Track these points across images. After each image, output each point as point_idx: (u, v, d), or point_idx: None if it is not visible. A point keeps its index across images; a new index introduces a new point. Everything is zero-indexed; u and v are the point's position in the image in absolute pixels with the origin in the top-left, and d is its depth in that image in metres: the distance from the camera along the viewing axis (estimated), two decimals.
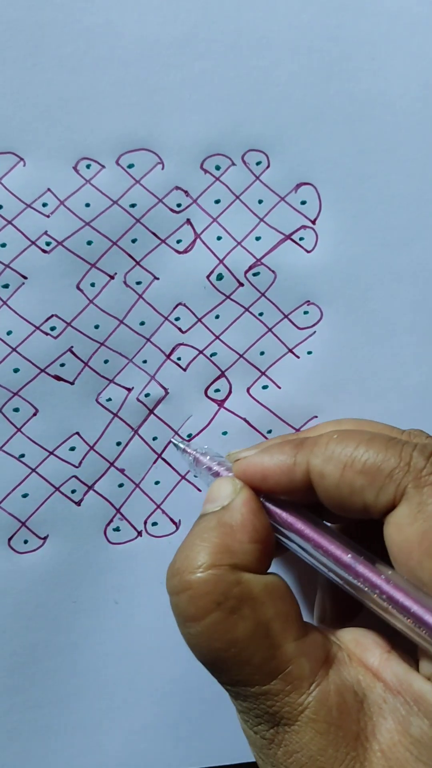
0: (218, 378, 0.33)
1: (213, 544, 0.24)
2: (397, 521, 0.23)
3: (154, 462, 0.33)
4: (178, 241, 0.32)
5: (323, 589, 0.30)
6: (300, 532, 0.25)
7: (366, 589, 0.24)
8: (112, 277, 0.32)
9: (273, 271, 0.33)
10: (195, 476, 0.30)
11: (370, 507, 0.24)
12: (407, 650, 0.24)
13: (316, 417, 0.33)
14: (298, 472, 0.25)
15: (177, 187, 0.32)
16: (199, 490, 0.33)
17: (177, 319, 0.33)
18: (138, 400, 0.32)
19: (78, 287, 0.32)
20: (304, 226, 0.33)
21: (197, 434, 0.33)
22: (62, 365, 0.32)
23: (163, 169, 0.32)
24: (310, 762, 0.22)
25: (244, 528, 0.24)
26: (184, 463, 0.31)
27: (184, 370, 0.33)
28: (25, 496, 0.32)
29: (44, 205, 0.31)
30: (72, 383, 0.32)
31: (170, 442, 0.32)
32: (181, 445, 0.30)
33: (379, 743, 0.22)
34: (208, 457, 0.29)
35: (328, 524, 0.26)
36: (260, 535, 0.25)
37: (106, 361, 0.32)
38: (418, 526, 0.22)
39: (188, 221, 0.32)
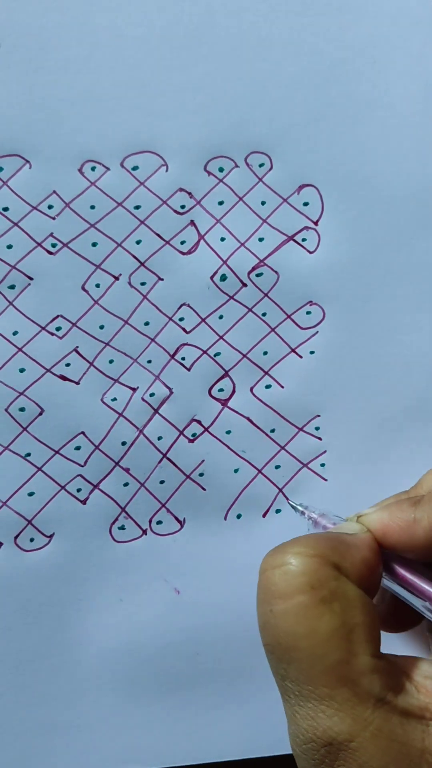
0: (222, 378, 0.33)
1: (327, 541, 0.24)
2: None
3: (159, 461, 0.33)
4: (182, 242, 0.33)
5: (388, 599, 0.30)
6: (420, 590, 0.26)
7: None
8: (116, 278, 0.32)
9: (276, 272, 0.33)
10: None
11: None
12: None
13: (319, 416, 0.34)
14: (418, 529, 0.25)
15: (181, 189, 0.32)
16: (204, 489, 0.33)
17: (181, 319, 0.33)
18: (143, 399, 0.33)
19: (83, 288, 0.32)
20: (306, 227, 0.33)
21: (201, 434, 0.33)
22: (68, 365, 0.32)
23: (167, 171, 0.32)
24: None
25: (359, 550, 0.24)
26: (303, 524, 0.31)
27: (189, 369, 0.33)
28: (31, 494, 0.32)
29: (50, 207, 0.32)
30: (77, 383, 0.32)
31: (290, 504, 0.32)
32: (300, 508, 0.30)
33: None
34: (326, 518, 0.29)
35: None
36: (371, 565, 0.24)
37: (111, 361, 0.32)
38: None
39: (192, 222, 0.33)
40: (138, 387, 0.33)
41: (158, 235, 0.32)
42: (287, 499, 0.33)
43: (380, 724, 0.21)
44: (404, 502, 0.26)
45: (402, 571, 0.26)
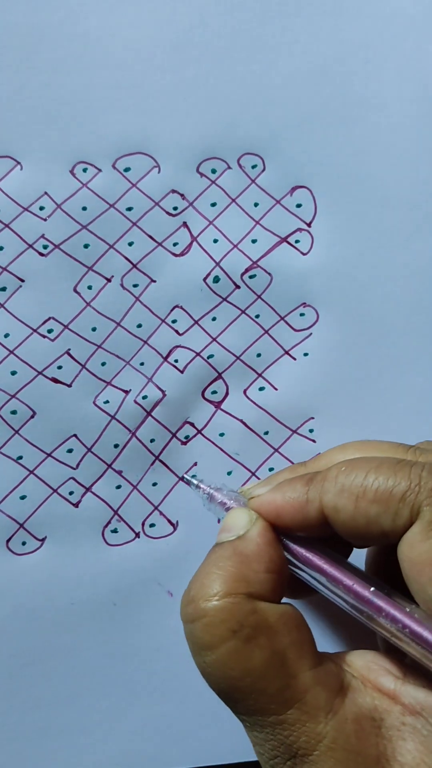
0: (215, 380, 0.33)
1: (228, 573, 0.24)
2: (409, 539, 0.23)
3: (152, 464, 0.33)
4: (175, 244, 0.32)
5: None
6: (318, 568, 0.25)
7: (387, 624, 0.24)
8: (109, 280, 0.32)
9: (269, 274, 0.33)
10: (208, 510, 0.30)
11: (388, 533, 0.24)
12: (423, 674, 0.24)
13: (313, 418, 0.34)
14: (311, 509, 0.25)
15: (173, 191, 0.32)
16: None
17: (174, 321, 0.33)
18: (135, 402, 0.33)
19: (75, 290, 0.32)
20: (299, 229, 0.33)
21: (194, 436, 0.33)
22: (60, 368, 0.32)
23: (159, 172, 0.32)
24: None
25: (260, 557, 0.24)
26: (198, 498, 0.31)
27: (182, 372, 0.33)
28: (23, 497, 0.32)
29: (41, 208, 0.31)
30: (69, 386, 0.32)
31: (182, 478, 0.32)
32: (194, 482, 0.30)
33: (401, 765, 0.22)
34: (222, 493, 0.28)
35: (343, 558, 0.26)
36: (275, 565, 0.25)
37: (103, 364, 0.32)
38: (431, 543, 0.22)
39: (185, 224, 0.33)
40: (131, 389, 0.33)
41: (151, 237, 0.32)
42: (183, 475, 0.32)
43: (334, 736, 0.22)
44: (297, 481, 0.26)
45: (298, 551, 0.26)
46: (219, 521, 0.29)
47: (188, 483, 0.30)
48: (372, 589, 0.24)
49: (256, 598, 0.23)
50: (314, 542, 0.26)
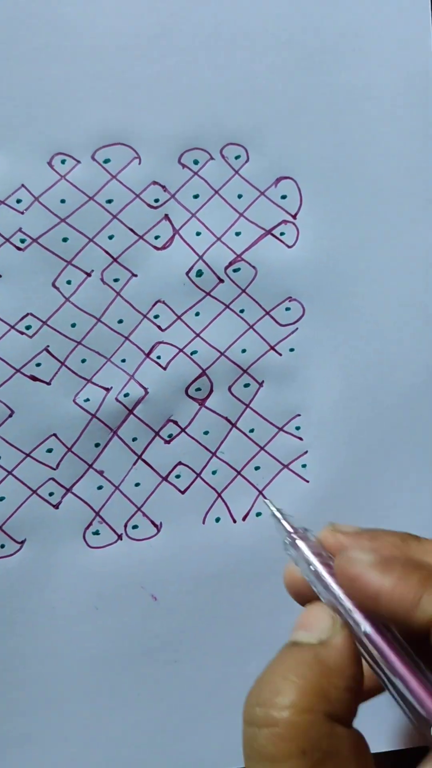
0: (199, 377, 0.32)
1: (309, 684, 0.22)
2: None
3: (134, 463, 0.32)
4: (156, 237, 0.32)
5: None
6: (402, 678, 0.22)
7: None
8: (88, 275, 0.31)
9: (254, 267, 0.32)
10: (284, 551, 0.26)
11: None
12: None
13: (299, 415, 0.33)
14: (419, 617, 0.22)
15: (154, 182, 0.31)
16: (181, 492, 0.32)
17: (156, 316, 0.32)
18: (117, 400, 0.32)
19: (54, 285, 0.31)
20: (284, 221, 0.32)
21: (177, 435, 0.32)
22: (38, 365, 0.31)
23: (140, 163, 0.31)
24: None
25: (343, 673, 0.22)
26: (276, 532, 0.26)
27: (164, 368, 0.32)
28: (1, 499, 0.31)
29: (18, 201, 0.31)
30: (48, 383, 0.31)
31: (263, 501, 0.29)
32: (278, 514, 0.25)
33: None
34: (307, 549, 0.24)
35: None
36: (356, 682, 0.22)
37: (83, 361, 0.31)
38: None
39: (166, 217, 0.32)
40: (112, 387, 0.32)
41: (131, 230, 0.31)
42: (265, 500, 0.29)
43: None
44: (412, 572, 0.22)
45: (383, 649, 0.22)
46: (296, 562, 0.25)
47: (270, 511, 0.25)
48: None
49: (332, 719, 0.22)
50: (401, 643, 0.23)
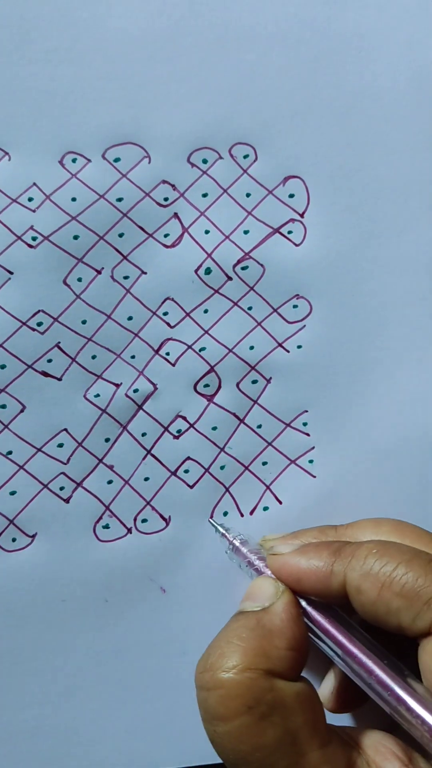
0: (207, 373, 0.33)
1: (250, 646, 0.24)
2: (430, 648, 0.23)
3: (144, 458, 0.32)
4: (166, 235, 0.32)
5: (336, 677, 0.29)
6: (334, 639, 0.26)
7: (395, 704, 0.24)
8: (99, 272, 0.32)
9: (261, 265, 0.33)
10: (230, 559, 0.31)
11: (405, 629, 0.24)
12: (428, 760, 0.24)
13: (306, 412, 0.33)
14: (334, 582, 0.25)
15: (164, 181, 0.32)
16: (190, 487, 0.33)
17: (165, 313, 0.32)
18: (126, 395, 0.32)
19: (65, 282, 0.31)
20: (292, 220, 0.33)
21: (186, 430, 0.32)
22: (49, 361, 0.32)
23: (149, 162, 0.32)
24: None
25: (283, 634, 0.24)
26: (220, 543, 0.32)
27: (173, 365, 0.32)
28: (12, 493, 0.31)
29: (30, 199, 0.31)
30: (59, 379, 0.32)
31: (209, 521, 0.32)
32: (221, 530, 0.31)
33: None
34: (246, 549, 0.29)
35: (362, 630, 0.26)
36: (297, 642, 0.25)
37: (93, 357, 0.32)
38: None
39: (176, 215, 0.32)
40: (121, 383, 0.32)
41: (141, 228, 0.32)
42: (210, 520, 0.33)
43: None
44: (324, 549, 0.26)
45: (316, 618, 0.26)
46: (241, 566, 0.30)
47: (215, 529, 0.31)
48: (384, 663, 0.24)
49: (274, 676, 0.23)
50: (335, 612, 0.26)
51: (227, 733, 0.23)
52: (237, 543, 0.30)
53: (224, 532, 0.31)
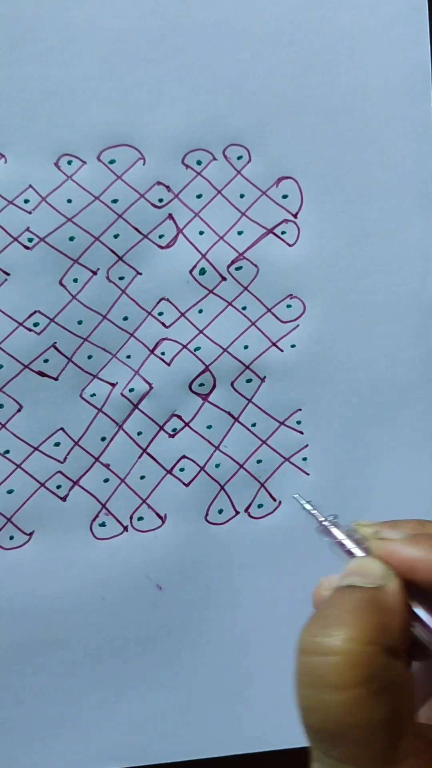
0: (202, 372, 0.33)
1: (371, 621, 0.23)
2: None
3: (139, 457, 0.33)
4: (161, 236, 0.32)
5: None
6: None
7: None
8: (94, 273, 0.32)
9: (255, 265, 0.33)
10: (318, 538, 0.30)
11: None
12: None
13: (300, 410, 0.33)
14: None
15: (158, 183, 0.32)
16: (185, 485, 0.33)
17: (160, 314, 0.33)
18: (122, 395, 0.32)
19: (61, 283, 0.32)
20: (285, 220, 0.33)
21: (181, 429, 0.33)
22: (46, 361, 0.32)
23: (144, 164, 0.32)
24: None
25: (399, 614, 0.24)
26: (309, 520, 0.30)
27: (168, 364, 0.33)
28: (10, 492, 0.32)
29: (26, 201, 0.31)
30: (56, 379, 0.32)
31: (293, 497, 0.31)
32: (308, 507, 0.29)
33: None
34: (338, 530, 0.27)
35: None
36: (408, 625, 0.24)
37: (89, 357, 0.32)
38: None
39: (170, 216, 0.32)
40: (117, 382, 0.32)
41: (136, 229, 0.32)
42: (294, 496, 0.32)
43: None
44: None
45: (423, 610, 0.25)
46: (330, 547, 0.28)
47: (303, 507, 0.29)
48: None
49: (391, 654, 0.23)
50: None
51: (337, 702, 0.22)
52: (327, 524, 0.28)
53: (313, 510, 0.29)
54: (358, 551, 0.27)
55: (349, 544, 0.27)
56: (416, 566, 0.25)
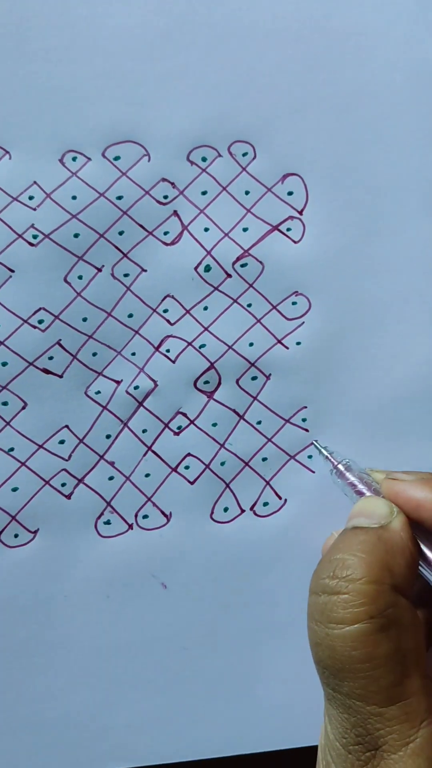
0: (207, 370, 0.33)
1: (376, 560, 0.24)
2: None
3: (144, 454, 0.33)
4: (166, 233, 0.32)
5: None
6: None
7: None
8: (99, 270, 0.32)
9: (261, 262, 0.33)
10: (333, 483, 0.30)
11: None
12: None
13: (306, 408, 0.33)
14: None
15: (163, 179, 0.32)
16: (190, 483, 0.33)
17: (165, 311, 0.32)
18: (127, 392, 0.32)
19: (65, 280, 0.32)
20: (291, 217, 0.33)
21: (186, 427, 0.33)
22: (51, 358, 0.32)
23: (149, 161, 0.32)
24: None
25: (403, 552, 0.24)
26: (323, 465, 0.31)
27: (173, 362, 0.33)
28: (14, 490, 0.32)
29: (31, 198, 0.31)
30: (61, 376, 0.32)
31: (311, 444, 0.32)
32: (325, 452, 0.31)
33: None
34: (353, 473, 0.29)
35: None
36: (414, 561, 0.25)
37: (94, 354, 0.32)
38: None
39: (175, 213, 0.32)
40: (122, 380, 0.32)
41: (141, 226, 0.32)
42: (314, 442, 0.32)
43: (422, 743, 0.22)
44: None
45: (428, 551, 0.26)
46: (344, 491, 0.30)
47: (319, 451, 0.31)
48: None
49: (397, 592, 0.23)
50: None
51: (343, 635, 0.23)
52: (342, 467, 0.29)
53: (328, 455, 0.30)
54: (367, 492, 0.28)
55: (360, 485, 0.28)
56: (423, 505, 0.26)
